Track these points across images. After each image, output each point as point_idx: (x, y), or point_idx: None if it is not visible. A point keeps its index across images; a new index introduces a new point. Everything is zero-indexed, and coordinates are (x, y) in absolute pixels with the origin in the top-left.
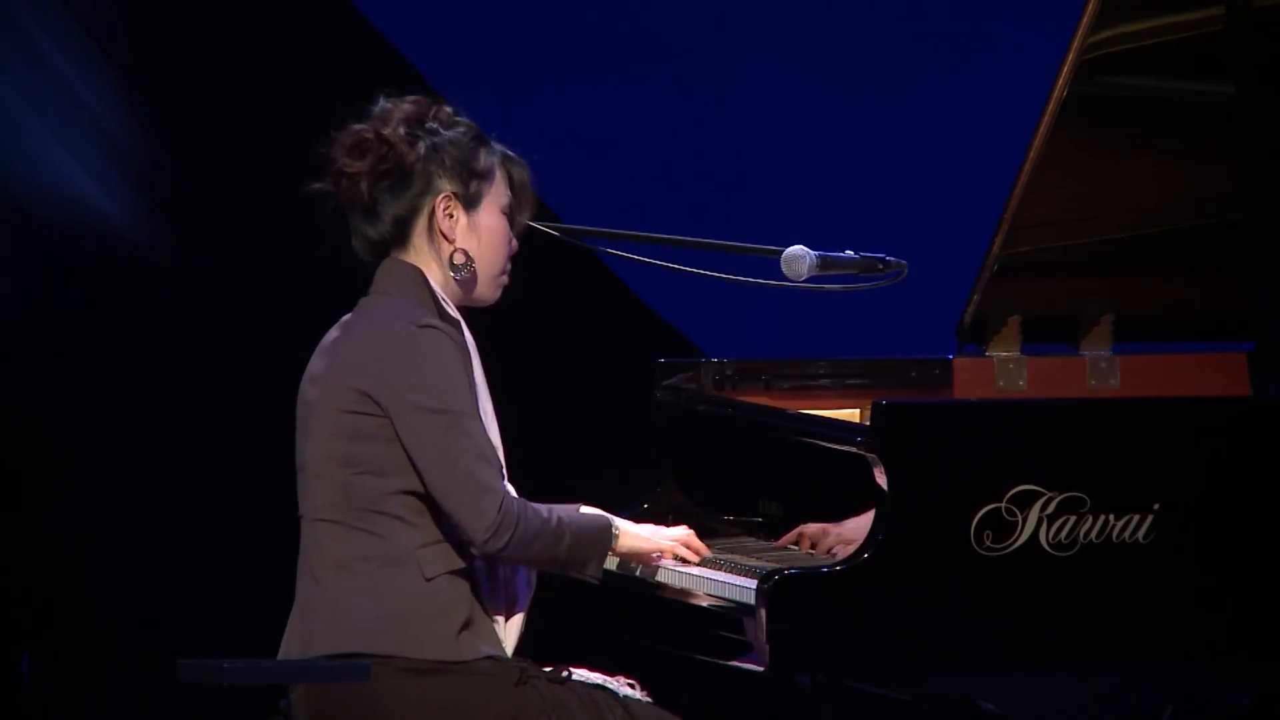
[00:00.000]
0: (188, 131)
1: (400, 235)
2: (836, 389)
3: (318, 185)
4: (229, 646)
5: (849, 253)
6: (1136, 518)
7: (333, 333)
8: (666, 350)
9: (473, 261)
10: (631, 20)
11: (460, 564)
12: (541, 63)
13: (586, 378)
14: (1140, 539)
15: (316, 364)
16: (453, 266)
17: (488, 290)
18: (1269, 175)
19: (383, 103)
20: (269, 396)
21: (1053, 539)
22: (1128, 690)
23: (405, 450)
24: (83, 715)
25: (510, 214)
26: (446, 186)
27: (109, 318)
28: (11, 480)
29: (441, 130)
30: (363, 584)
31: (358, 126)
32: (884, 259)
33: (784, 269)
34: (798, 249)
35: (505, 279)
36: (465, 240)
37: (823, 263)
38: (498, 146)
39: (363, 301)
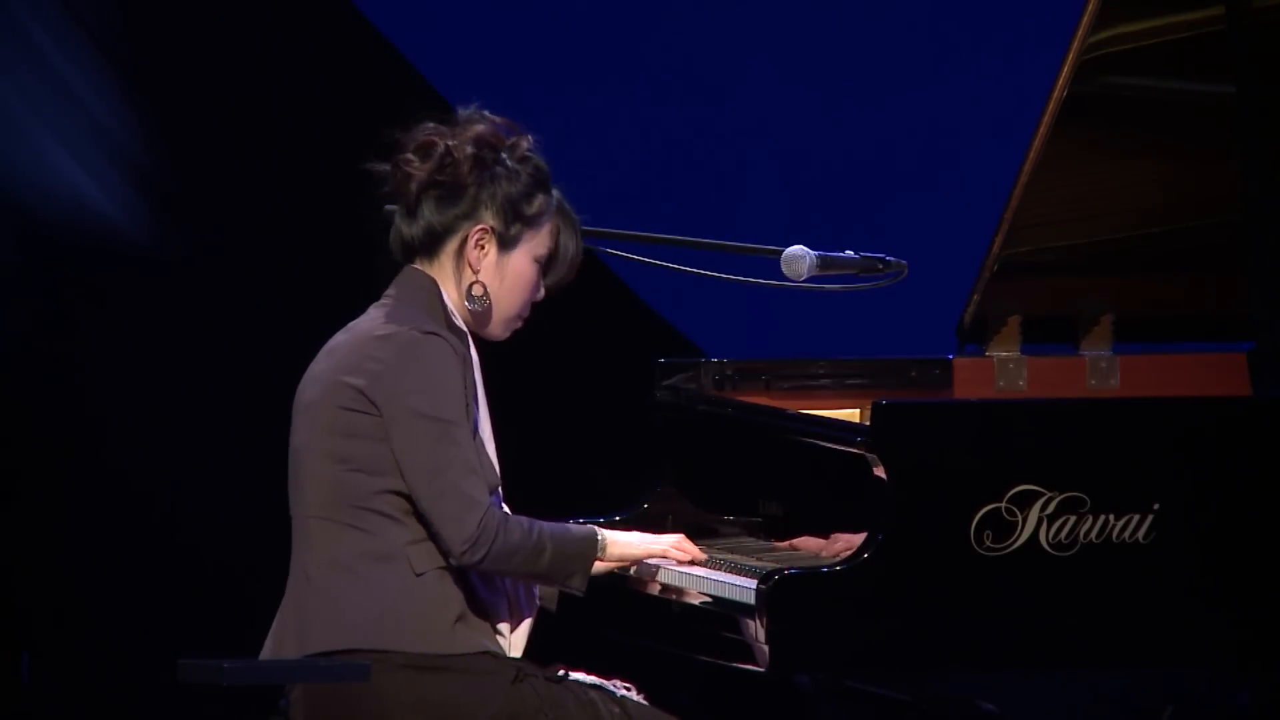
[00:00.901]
0: (188, 131)
1: (430, 246)
2: (836, 389)
3: (378, 166)
4: (229, 646)
5: (849, 253)
6: (1136, 518)
7: (339, 336)
8: (666, 350)
9: (489, 297)
10: (631, 20)
11: (446, 560)
12: (541, 63)
13: (586, 378)
14: (1140, 539)
15: (318, 365)
16: (469, 296)
17: (498, 329)
18: (1269, 175)
19: (469, 111)
20: (269, 397)
21: (1053, 539)
22: (1128, 690)
23: (394, 453)
24: (83, 715)
25: (544, 265)
26: (488, 219)
27: (109, 318)
28: (11, 480)
29: (508, 163)
30: (355, 580)
31: (432, 127)
32: (884, 259)
33: (784, 269)
34: (798, 249)
35: (519, 323)
36: (489, 276)
37: (823, 263)
38: (557, 196)
39: (373, 307)
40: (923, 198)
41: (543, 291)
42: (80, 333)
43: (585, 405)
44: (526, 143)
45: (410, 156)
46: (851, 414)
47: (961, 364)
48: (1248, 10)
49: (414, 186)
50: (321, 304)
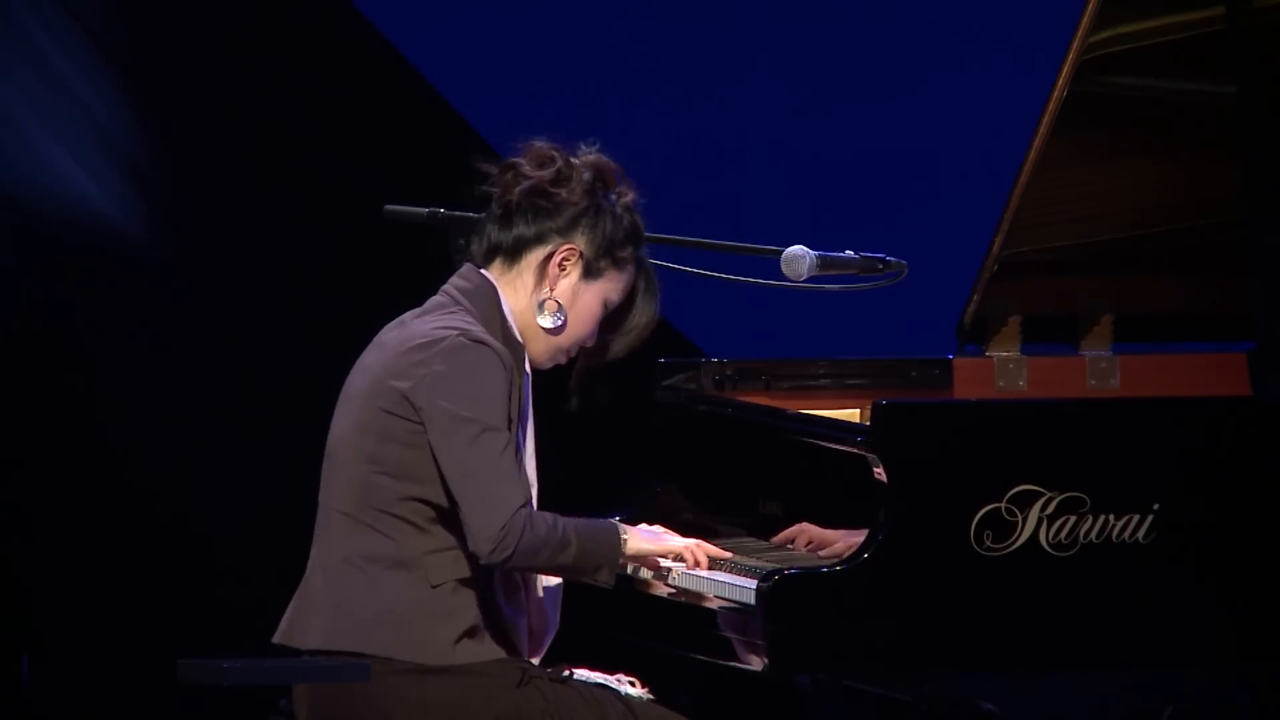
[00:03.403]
0: (188, 131)
1: (513, 254)
2: (836, 389)
3: (486, 165)
4: (230, 645)
5: (849, 253)
6: (1136, 518)
7: (391, 329)
8: (666, 350)
9: (563, 314)
10: (631, 21)
11: (468, 573)
12: (540, 63)
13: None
14: (1140, 539)
15: (369, 356)
16: (542, 310)
17: (544, 355)
18: (1269, 175)
19: (594, 147)
20: (269, 396)
21: (1053, 539)
22: (1128, 690)
23: (433, 455)
24: (83, 715)
25: (606, 312)
26: (579, 242)
27: (109, 318)
28: (11, 480)
29: (615, 206)
30: (366, 583)
31: (555, 147)
32: (884, 259)
33: (784, 269)
34: (798, 249)
35: (563, 359)
36: (563, 297)
37: (823, 263)
38: (646, 259)
39: (431, 302)
40: (923, 198)
41: (592, 341)
42: (79, 332)
43: (585, 405)
44: (635, 196)
45: (525, 161)
46: (851, 414)
47: (961, 364)
48: (1248, 10)
49: (518, 190)
50: (321, 303)
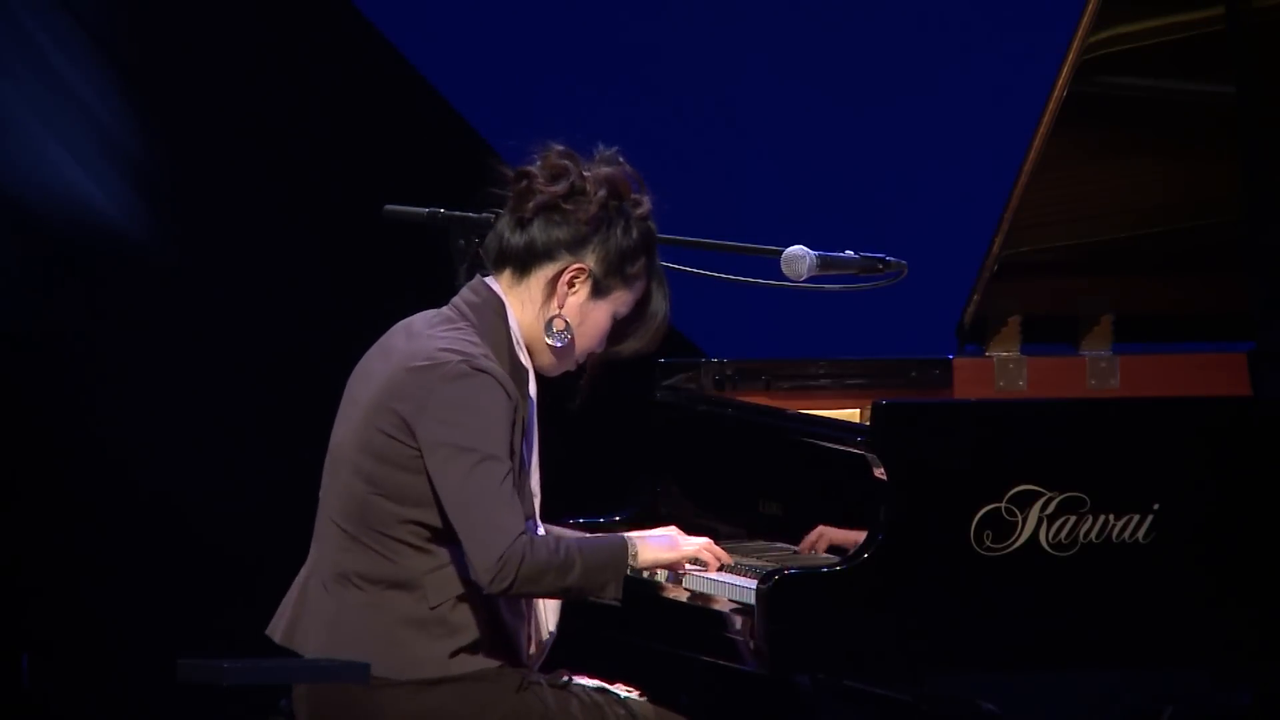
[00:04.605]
0: (188, 131)
1: (523, 264)
2: (836, 389)
3: (505, 168)
4: (230, 645)
5: (849, 253)
6: (1136, 518)
7: (398, 335)
8: (666, 350)
9: (570, 332)
10: (631, 20)
11: (469, 587)
12: (540, 62)
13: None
14: (1140, 539)
15: (375, 361)
16: (550, 330)
17: (551, 365)
18: (1269, 175)
19: (607, 152)
20: (269, 396)
21: (1053, 539)
22: (1128, 690)
23: (430, 483)
24: (83, 715)
25: (622, 324)
26: (590, 261)
27: (109, 317)
28: (11, 480)
29: (629, 219)
30: (365, 603)
31: (563, 150)
32: (884, 259)
33: (784, 269)
34: (798, 249)
35: (572, 368)
36: (571, 315)
37: (823, 263)
38: (657, 263)
39: (440, 319)
40: (923, 198)
41: (602, 347)
42: (79, 332)
43: (585, 405)
44: (649, 203)
45: (539, 174)
46: (851, 414)
47: (961, 364)
48: (1248, 10)
49: (533, 204)
50: (321, 303)
